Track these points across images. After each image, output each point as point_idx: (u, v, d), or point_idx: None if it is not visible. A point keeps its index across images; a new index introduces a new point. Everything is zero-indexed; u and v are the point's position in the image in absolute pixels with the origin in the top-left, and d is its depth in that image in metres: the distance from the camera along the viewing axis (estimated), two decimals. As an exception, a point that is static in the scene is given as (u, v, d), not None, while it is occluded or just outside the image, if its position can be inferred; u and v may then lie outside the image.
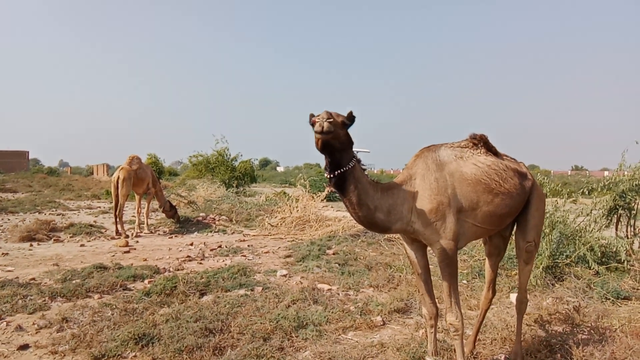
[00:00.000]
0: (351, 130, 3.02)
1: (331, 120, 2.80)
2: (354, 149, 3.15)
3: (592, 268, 6.10)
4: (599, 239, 6.40)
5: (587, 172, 55.27)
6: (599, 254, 6.31)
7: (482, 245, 6.37)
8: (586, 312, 4.89)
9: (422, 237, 3.28)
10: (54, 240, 10.29)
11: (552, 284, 5.99)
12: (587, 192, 7.26)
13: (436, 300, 3.67)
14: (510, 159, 3.70)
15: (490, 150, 3.54)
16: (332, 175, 3.03)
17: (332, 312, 5.01)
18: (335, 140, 2.89)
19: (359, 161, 3.16)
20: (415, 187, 3.28)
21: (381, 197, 3.18)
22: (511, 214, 3.51)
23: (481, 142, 3.53)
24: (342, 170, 3.00)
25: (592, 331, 4.46)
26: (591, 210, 6.68)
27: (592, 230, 6.58)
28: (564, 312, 4.83)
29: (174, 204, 13.20)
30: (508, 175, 3.42)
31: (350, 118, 2.93)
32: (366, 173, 3.20)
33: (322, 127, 2.79)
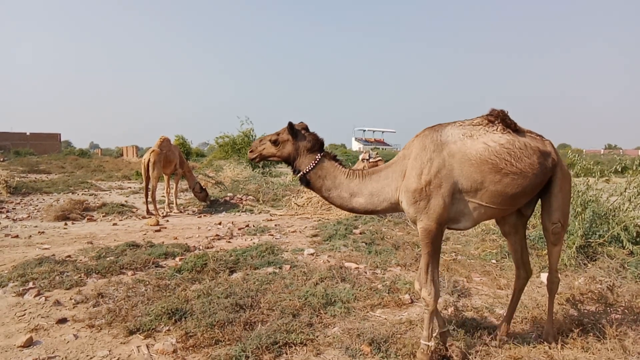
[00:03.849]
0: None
1: (251, 150, 3.80)
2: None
3: (626, 248, 5.96)
4: (633, 219, 6.23)
5: (621, 150, 53.63)
6: (634, 233, 6.14)
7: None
8: (620, 291, 4.80)
9: (407, 215, 3.36)
10: (88, 219, 10.59)
11: (585, 264, 5.89)
12: (620, 171, 7.04)
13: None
14: (535, 135, 3.52)
15: (509, 126, 3.39)
16: (296, 177, 3.63)
17: (360, 290, 5.04)
18: (273, 157, 3.67)
19: (333, 158, 3.57)
20: (406, 167, 3.34)
21: (361, 184, 3.44)
22: (525, 194, 3.37)
23: (498, 119, 3.39)
24: (302, 173, 3.55)
25: (625, 311, 4.37)
26: (625, 189, 6.48)
27: (626, 209, 6.39)
28: (596, 291, 4.74)
29: (202, 184, 13.37)
30: (524, 154, 3.27)
31: (286, 132, 3.56)
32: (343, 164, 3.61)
33: (247, 157, 3.97)
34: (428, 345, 3.35)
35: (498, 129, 3.35)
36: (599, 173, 6.81)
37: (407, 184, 3.28)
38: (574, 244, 5.95)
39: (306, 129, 3.64)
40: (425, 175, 3.21)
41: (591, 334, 3.83)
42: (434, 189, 3.19)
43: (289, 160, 3.62)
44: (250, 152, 3.81)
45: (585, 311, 4.43)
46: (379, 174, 3.45)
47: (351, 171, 3.50)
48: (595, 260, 5.95)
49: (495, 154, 3.22)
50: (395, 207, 3.44)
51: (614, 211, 6.42)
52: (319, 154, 3.52)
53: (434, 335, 3.47)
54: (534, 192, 3.49)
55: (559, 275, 3.90)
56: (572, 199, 6.26)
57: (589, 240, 6.12)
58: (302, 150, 3.54)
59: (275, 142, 3.61)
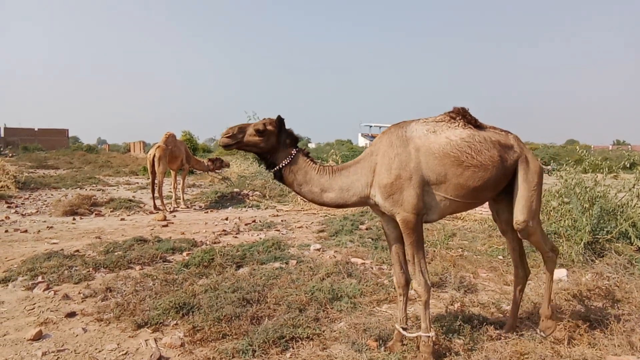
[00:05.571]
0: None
1: (228, 135, 3.45)
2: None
3: (634, 244, 5.92)
4: (642, 215, 6.19)
5: (630, 146, 53.07)
6: (642, 229, 6.11)
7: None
8: (627, 288, 4.78)
9: (384, 209, 3.42)
10: (95, 214, 10.66)
11: (592, 260, 5.86)
12: (628, 167, 6.99)
13: (407, 271, 3.63)
14: (499, 131, 3.63)
15: (470, 122, 3.53)
16: (270, 171, 3.58)
17: (366, 286, 5.05)
18: (254, 147, 3.48)
19: (306, 154, 3.59)
20: (375, 163, 3.44)
21: (331, 179, 3.51)
22: (488, 187, 3.45)
23: (459, 116, 3.53)
24: (277, 168, 3.51)
25: (633, 307, 4.36)
26: (634, 184, 6.43)
27: (634, 205, 6.34)
28: (604, 287, 4.72)
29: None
30: (484, 147, 3.40)
31: (273, 124, 3.45)
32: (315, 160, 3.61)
33: (220, 142, 3.53)
34: (429, 337, 3.39)
35: (459, 125, 3.49)
36: (607, 169, 6.78)
37: (378, 180, 3.38)
38: (582, 240, 5.92)
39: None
40: (394, 169, 3.31)
41: (598, 330, 3.83)
42: (404, 182, 3.29)
43: (268, 153, 3.53)
44: (228, 137, 3.46)
45: (593, 307, 4.42)
46: (348, 170, 3.53)
47: (321, 167, 3.58)
48: (603, 256, 5.93)
49: (456, 148, 3.35)
50: (364, 202, 3.53)
51: (622, 207, 6.37)
52: (294, 150, 3.55)
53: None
54: (498, 186, 3.56)
55: (555, 248, 3.89)
56: (579, 194, 6.24)
57: (597, 236, 6.09)
58: (282, 145, 3.56)
59: (262, 132, 3.43)
